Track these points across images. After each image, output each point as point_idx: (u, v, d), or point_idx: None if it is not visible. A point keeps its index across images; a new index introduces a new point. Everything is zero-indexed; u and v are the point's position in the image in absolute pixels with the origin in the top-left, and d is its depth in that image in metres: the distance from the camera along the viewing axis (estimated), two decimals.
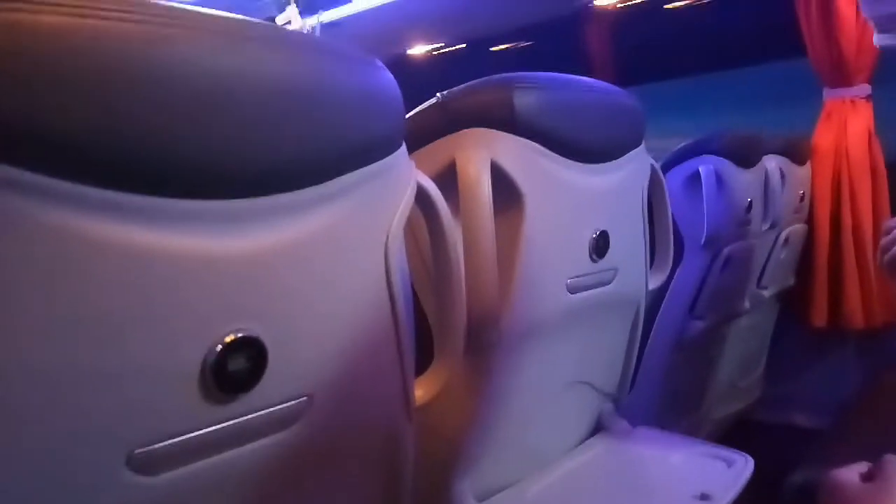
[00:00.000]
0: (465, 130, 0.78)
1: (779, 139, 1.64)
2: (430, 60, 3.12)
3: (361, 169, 0.53)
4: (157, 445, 0.43)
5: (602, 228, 0.88)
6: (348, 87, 0.51)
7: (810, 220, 1.80)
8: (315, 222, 0.50)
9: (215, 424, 0.46)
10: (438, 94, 0.82)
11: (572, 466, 0.99)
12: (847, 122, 1.75)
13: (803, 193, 1.76)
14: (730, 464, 0.96)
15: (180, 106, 0.40)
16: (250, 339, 0.46)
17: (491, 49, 3.00)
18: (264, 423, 0.49)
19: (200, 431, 0.45)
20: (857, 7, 1.59)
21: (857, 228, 1.74)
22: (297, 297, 0.49)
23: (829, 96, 1.79)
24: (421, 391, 0.66)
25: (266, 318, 0.47)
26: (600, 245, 0.88)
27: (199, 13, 0.43)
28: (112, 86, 0.38)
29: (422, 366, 0.68)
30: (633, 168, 0.95)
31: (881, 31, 1.21)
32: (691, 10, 2.56)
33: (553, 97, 0.82)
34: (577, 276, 0.86)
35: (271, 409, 0.49)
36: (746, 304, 1.58)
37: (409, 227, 0.60)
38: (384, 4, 2.61)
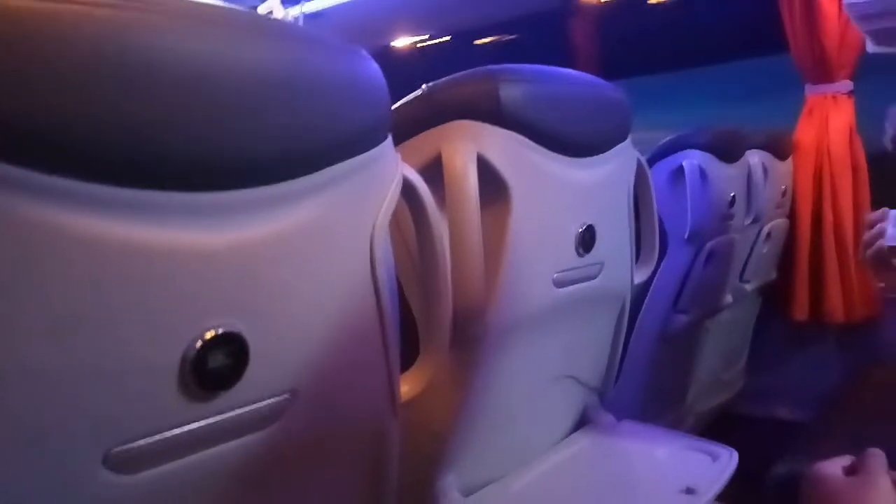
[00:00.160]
0: (451, 123, 0.77)
1: (761, 134, 1.65)
2: (414, 53, 3.11)
3: (346, 160, 0.52)
4: (134, 444, 0.42)
5: (588, 222, 0.87)
6: (332, 76, 0.50)
7: (792, 215, 1.81)
8: (299, 215, 0.49)
9: (195, 422, 0.45)
10: (423, 86, 0.81)
11: (558, 460, 0.99)
12: (829, 118, 1.77)
13: (785, 188, 1.77)
14: (714, 458, 0.96)
15: (159, 93, 0.39)
16: (231, 335, 0.45)
17: (475, 42, 2.99)
18: (246, 420, 0.48)
19: (180, 429, 0.44)
20: (840, 4, 1.61)
21: (838, 224, 1.76)
22: (280, 291, 0.48)
23: (811, 92, 1.80)
24: (407, 386, 0.65)
25: (248, 313, 0.46)
26: (586, 239, 0.87)
27: (179, 0, 0.42)
28: (89, 72, 0.36)
29: (407, 360, 0.67)
30: (620, 162, 0.95)
31: (877, 44, 1.22)
32: (675, 5, 2.57)
33: (539, 90, 0.81)
34: (563, 271, 0.86)
35: (253, 406, 0.48)
36: (729, 298, 1.60)
37: (395, 221, 0.59)
38: None
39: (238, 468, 0.50)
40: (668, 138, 1.49)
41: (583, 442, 1.04)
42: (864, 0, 1.10)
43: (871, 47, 1.26)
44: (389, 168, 0.58)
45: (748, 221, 1.56)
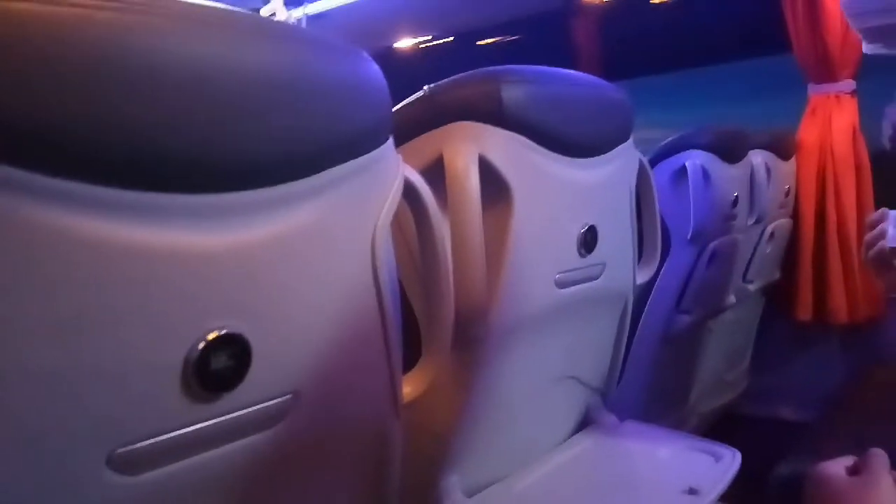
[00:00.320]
0: (453, 124, 0.77)
1: (764, 134, 1.64)
2: (417, 54, 3.11)
3: (348, 162, 0.52)
4: (138, 445, 0.42)
5: (590, 223, 0.87)
6: (333, 78, 0.51)
7: (795, 215, 1.81)
8: (301, 216, 0.49)
9: (198, 423, 0.45)
10: (425, 88, 0.81)
11: (561, 461, 0.99)
12: (832, 117, 1.76)
13: (788, 188, 1.77)
14: (717, 458, 0.96)
15: (161, 96, 0.39)
16: (234, 337, 0.45)
17: (478, 43, 2.99)
18: (249, 421, 0.48)
19: (183, 430, 0.44)
20: None
21: (841, 223, 1.75)
22: (283, 292, 0.48)
23: (814, 92, 1.80)
24: (409, 387, 0.65)
25: (251, 315, 0.46)
26: (588, 240, 0.87)
27: (181, 2, 0.42)
28: (91, 75, 0.37)
29: (409, 362, 0.67)
30: (622, 163, 0.94)
31: (869, 42, 1.21)
32: (677, 5, 2.57)
33: (541, 91, 0.81)
34: (565, 271, 0.86)
35: (256, 408, 0.48)
36: (732, 299, 1.59)
37: (397, 222, 0.59)
38: None
39: (241, 469, 0.51)
40: (670, 138, 1.49)
41: (585, 442, 1.04)
42: None
43: (866, 48, 1.26)
44: (391, 169, 0.59)
45: (751, 221, 1.55)
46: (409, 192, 0.61)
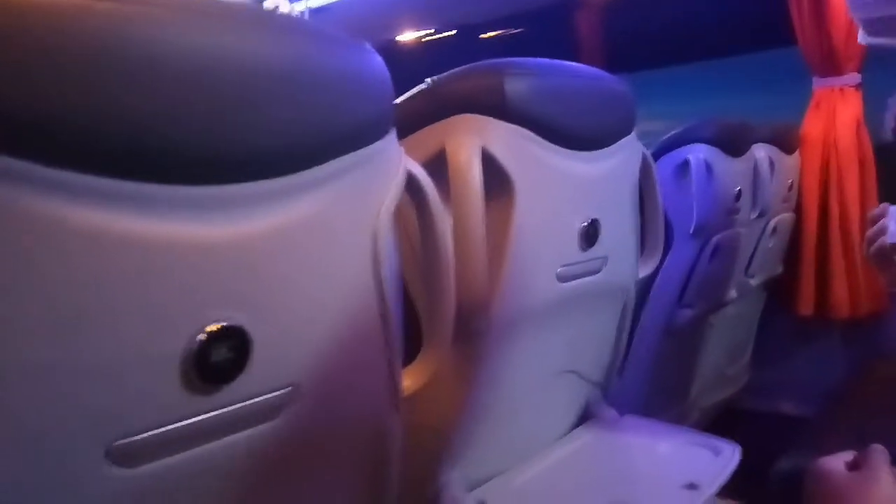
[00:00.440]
0: (455, 117, 0.77)
1: (768, 128, 1.64)
2: (420, 47, 3.10)
3: (350, 154, 0.52)
4: (136, 437, 0.42)
5: (593, 217, 0.87)
6: (335, 70, 0.50)
7: (798, 210, 1.80)
8: (303, 208, 0.49)
9: (197, 415, 0.45)
10: (428, 80, 0.81)
11: (561, 455, 0.99)
12: (836, 111, 1.75)
13: (792, 182, 1.76)
14: (717, 452, 0.96)
15: (161, 87, 0.39)
16: (234, 329, 0.45)
17: (480, 36, 2.97)
18: (248, 413, 0.48)
19: (182, 423, 0.44)
20: None
21: (844, 218, 1.74)
22: (283, 284, 0.48)
23: (819, 85, 1.79)
24: (409, 381, 0.65)
25: (251, 307, 0.46)
26: (590, 233, 0.87)
27: None
28: (91, 65, 0.36)
29: (410, 355, 0.67)
30: (624, 156, 0.94)
31: (870, 34, 1.20)
32: None
33: (544, 83, 0.81)
34: (567, 265, 0.86)
35: (256, 400, 0.48)
36: (734, 293, 1.59)
37: (399, 215, 0.59)
38: None
39: (240, 461, 0.51)
40: (673, 132, 1.48)
41: (586, 437, 1.04)
42: None
43: (862, 38, 1.24)
44: (393, 162, 0.58)
45: (754, 216, 1.55)
46: (412, 184, 0.61)
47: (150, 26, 0.39)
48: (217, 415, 0.46)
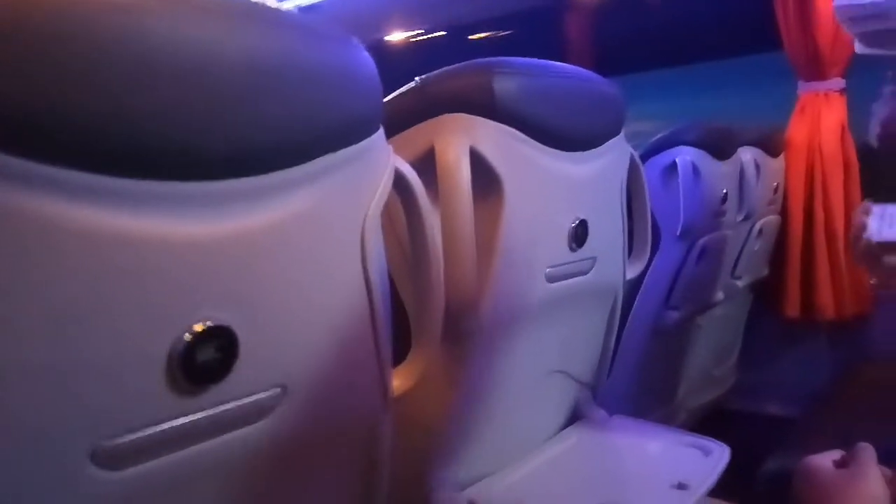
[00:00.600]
0: (444, 116, 0.76)
1: (754, 131, 1.65)
2: (409, 47, 3.09)
3: (339, 151, 0.51)
4: (122, 439, 0.41)
5: (581, 217, 0.87)
6: (324, 65, 0.50)
7: (784, 212, 1.82)
8: (291, 205, 0.48)
9: (184, 416, 0.44)
10: (417, 79, 0.81)
11: (551, 455, 0.99)
12: (821, 115, 1.77)
13: (777, 185, 1.77)
14: (706, 452, 0.97)
15: (153, 83, 0.39)
16: (221, 329, 0.44)
17: (469, 37, 2.98)
18: (236, 414, 0.48)
19: (168, 424, 0.43)
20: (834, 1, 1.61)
21: (829, 221, 1.76)
22: (271, 281, 0.48)
23: (804, 89, 1.81)
24: (398, 380, 0.65)
25: (238, 306, 0.46)
26: (579, 234, 0.87)
27: None
28: (85, 61, 0.36)
29: (399, 355, 0.66)
30: (613, 157, 0.94)
31: (864, 45, 1.22)
32: (669, 1, 2.57)
33: (533, 83, 0.81)
34: (555, 265, 0.85)
35: (243, 401, 0.48)
36: (720, 295, 1.60)
37: (387, 214, 0.58)
38: None
39: (228, 464, 0.50)
40: (660, 134, 1.49)
41: (575, 437, 1.04)
42: (853, 3, 1.10)
43: (859, 48, 1.26)
44: (381, 159, 0.58)
45: (740, 218, 1.56)
46: (400, 183, 0.61)
47: (137, 16, 0.38)
48: (204, 416, 0.45)
